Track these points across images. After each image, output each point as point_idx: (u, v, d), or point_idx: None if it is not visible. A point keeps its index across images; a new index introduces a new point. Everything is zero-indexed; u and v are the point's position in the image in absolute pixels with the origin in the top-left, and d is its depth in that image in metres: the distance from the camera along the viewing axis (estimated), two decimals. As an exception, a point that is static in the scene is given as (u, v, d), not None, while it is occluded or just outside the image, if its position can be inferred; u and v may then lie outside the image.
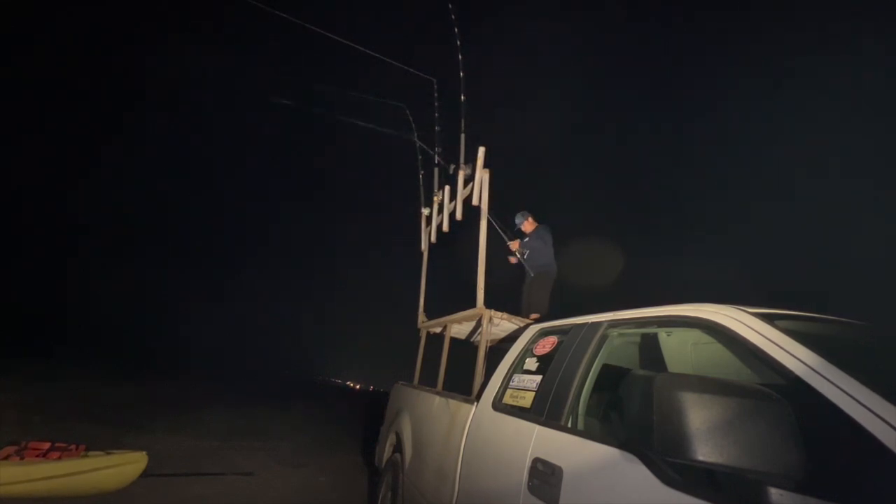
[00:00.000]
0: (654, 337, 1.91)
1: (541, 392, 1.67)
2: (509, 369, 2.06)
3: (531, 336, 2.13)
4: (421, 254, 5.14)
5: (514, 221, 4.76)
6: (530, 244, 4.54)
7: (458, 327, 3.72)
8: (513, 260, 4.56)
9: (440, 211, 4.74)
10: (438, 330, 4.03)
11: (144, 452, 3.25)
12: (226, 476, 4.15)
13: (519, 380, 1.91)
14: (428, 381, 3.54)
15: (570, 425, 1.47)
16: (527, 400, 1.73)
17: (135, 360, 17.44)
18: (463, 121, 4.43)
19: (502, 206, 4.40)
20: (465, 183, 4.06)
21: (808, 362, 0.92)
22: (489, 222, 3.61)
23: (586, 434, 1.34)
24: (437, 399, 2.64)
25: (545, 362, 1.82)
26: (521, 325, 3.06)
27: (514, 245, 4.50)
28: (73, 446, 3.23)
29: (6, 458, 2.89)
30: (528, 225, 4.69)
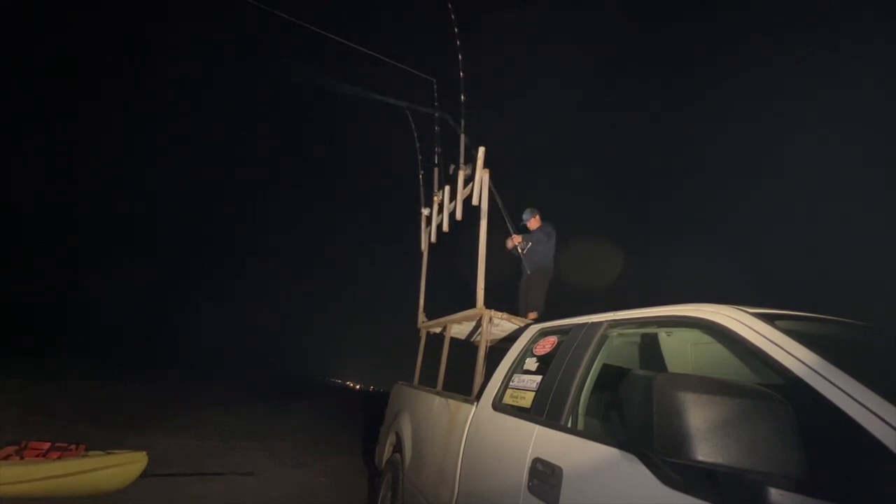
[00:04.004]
0: (654, 337, 1.91)
1: (541, 392, 1.67)
2: (509, 369, 2.06)
3: (531, 336, 2.13)
4: (421, 254, 5.14)
5: (521, 216, 4.78)
6: (534, 238, 4.56)
7: (458, 327, 3.72)
8: (510, 244, 4.55)
9: (440, 211, 4.74)
10: (438, 330, 4.03)
11: (144, 452, 3.25)
12: (226, 476, 4.15)
13: (519, 380, 1.91)
14: (428, 381, 3.54)
15: (570, 425, 1.47)
16: (527, 400, 1.73)
17: (134, 360, 17.43)
18: (463, 121, 4.43)
19: (507, 203, 4.43)
20: (465, 183, 4.06)
21: (808, 362, 0.92)
22: (497, 210, 3.60)
23: (586, 434, 1.34)
24: (437, 399, 2.64)
25: (545, 362, 1.82)
26: (521, 325, 3.06)
27: (516, 239, 4.51)
28: (73, 446, 3.24)
29: (6, 458, 2.89)
30: (534, 222, 4.73)
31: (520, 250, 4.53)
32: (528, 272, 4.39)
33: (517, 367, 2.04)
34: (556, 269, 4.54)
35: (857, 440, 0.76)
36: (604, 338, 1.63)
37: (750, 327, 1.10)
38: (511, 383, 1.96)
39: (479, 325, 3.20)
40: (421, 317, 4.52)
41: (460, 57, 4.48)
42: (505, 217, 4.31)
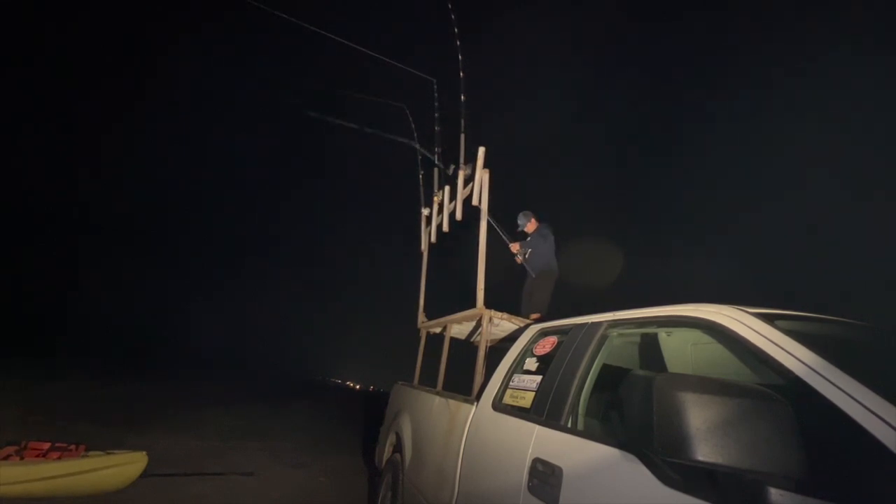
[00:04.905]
0: (654, 337, 1.91)
1: (541, 392, 1.67)
2: (509, 369, 2.06)
3: (531, 336, 2.13)
4: (421, 254, 5.14)
5: (516, 222, 4.78)
6: (532, 244, 4.56)
7: (458, 327, 3.72)
8: (519, 260, 4.56)
9: (440, 211, 4.74)
10: (438, 330, 4.03)
11: (144, 452, 3.25)
12: (226, 476, 4.15)
13: (519, 380, 1.91)
14: (428, 381, 3.54)
15: (570, 425, 1.47)
16: (527, 400, 1.73)
17: (134, 360, 17.44)
18: (463, 121, 4.43)
19: (504, 205, 4.43)
20: (465, 183, 4.06)
21: (808, 362, 0.92)
22: (490, 225, 3.63)
23: (586, 434, 1.34)
24: (437, 399, 2.64)
25: (545, 362, 1.82)
26: (521, 325, 3.06)
27: (514, 247, 4.52)
28: (73, 446, 3.24)
29: (6, 458, 2.89)
30: (530, 226, 4.74)
31: (519, 258, 4.54)
32: (533, 275, 4.40)
33: (517, 367, 2.04)
34: (558, 269, 4.54)
35: (857, 440, 0.76)
36: (604, 338, 1.63)
37: (750, 327, 1.10)
38: (511, 383, 1.95)
39: (479, 325, 3.19)
40: (421, 317, 4.52)
41: (460, 57, 4.48)
42: (497, 229, 4.31)
